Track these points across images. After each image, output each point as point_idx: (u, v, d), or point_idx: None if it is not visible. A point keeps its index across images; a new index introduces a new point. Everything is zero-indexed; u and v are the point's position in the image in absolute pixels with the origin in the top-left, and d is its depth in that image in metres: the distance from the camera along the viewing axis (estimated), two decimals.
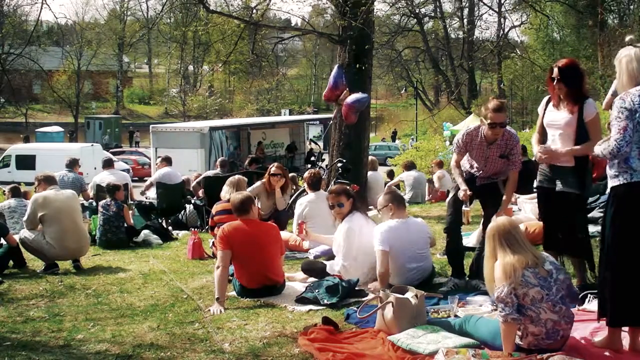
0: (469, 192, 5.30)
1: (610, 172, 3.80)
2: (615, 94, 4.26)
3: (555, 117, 4.91)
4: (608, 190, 3.86)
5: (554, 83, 4.82)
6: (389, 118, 59.13)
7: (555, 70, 4.80)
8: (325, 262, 5.97)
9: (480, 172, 5.44)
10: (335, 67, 10.02)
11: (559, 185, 4.91)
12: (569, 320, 3.83)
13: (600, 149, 3.76)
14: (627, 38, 3.94)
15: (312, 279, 5.72)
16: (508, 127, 5.40)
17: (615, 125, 3.69)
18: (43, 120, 51.96)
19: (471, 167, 5.50)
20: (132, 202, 11.02)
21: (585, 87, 4.95)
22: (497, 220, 3.97)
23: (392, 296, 4.34)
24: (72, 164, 10.92)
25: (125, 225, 8.75)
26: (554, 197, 4.92)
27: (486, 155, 5.35)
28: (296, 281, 5.81)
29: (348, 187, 6.63)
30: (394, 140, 46.20)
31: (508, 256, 3.78)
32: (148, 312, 5.10)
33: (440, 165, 14.25)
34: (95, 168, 19.93)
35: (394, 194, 5.71)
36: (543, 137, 5.06)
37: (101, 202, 8.89)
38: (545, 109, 5.05)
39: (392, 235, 5.31)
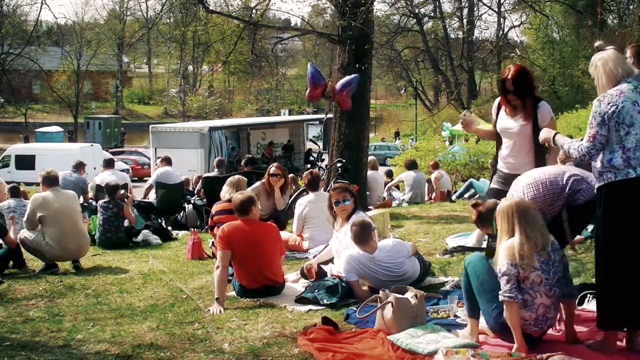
0: None
1: (594, 170, 3.82)
2: None
3: (510, 124, 4.84)
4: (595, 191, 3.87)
5: (509, 94, 4.73)
6: (388, 118, 59.11)
7: (507, 84, 4.70)
8: (324, 266, 5.95)
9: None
10: (308, 65, 10.05)
11: None
12: (557, 308, 3.91)
13: (574, 150, 3.81)
14: (597, 44, 3.98)
15: (307, 280, 5.71)
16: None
17: (587, 129, 3.74)
18: (43, 120, 51.93)
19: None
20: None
21: (536, 90, 4.89)
22: (514, 197, 4.01)
23: (392, 296, 4.33)
24: (79, 166, 11.54)
25: (125, 225, 8.76)
26: None
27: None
28: (289, 282, 5.78)
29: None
30: (396, 139, 46.23)
31: (523, 237, 3.80)
32: (148, 312, 5.10)
33: (436, 166, 14.23)
34: (95, 168, 19.93)
35: (354, 234, 5.33)
36: (498, 140, 5.04)
37: (100, 202, 8.90)
38: (498, 112, 4.97)
39: (356, 266, 5.22)
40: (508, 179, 4.90)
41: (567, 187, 4.10)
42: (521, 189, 4.19)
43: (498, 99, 5.04)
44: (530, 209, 3.92)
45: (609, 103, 3.68)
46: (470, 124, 5.10)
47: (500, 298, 3.79)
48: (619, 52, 3.85)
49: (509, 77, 4.69)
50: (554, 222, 4.14)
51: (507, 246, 3.84)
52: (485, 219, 4.55)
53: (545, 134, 4.24)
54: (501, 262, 3.83)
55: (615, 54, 3.82)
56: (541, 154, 4.87)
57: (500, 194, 4.82)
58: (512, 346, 3.85)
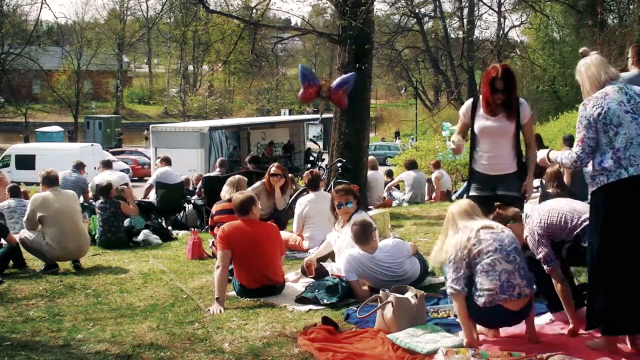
0: None
1: (586, 175, 3.81)
2: None
3: (493, 124, 4.76)
4: (589, 195, 3.86)
5: (497, 94, 4.64)
6: (388, 118, 59.11)
7: (500, 82, 4.61)
8: (325, 265, 5.94)
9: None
10: (299, 66, 10.08)
11: (500, 191, 4.78)
12: (524, 276, 3.89)
13: (566, 159, 3.82)
14: (581, 50, 4.00)
15: (307, 279, 5.71)
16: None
17: (576, 135, 3.76)
18: (43, 120, 51.93)
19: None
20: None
21: (517, 88, 4.85)
22: (458, 202, 4.23)
23: (392, 296, 4.34)
24: (79, 166, 11.63)
25: (125, 224, 8.76)
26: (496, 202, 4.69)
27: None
28: (289, 282, 5.78)
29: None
30: (396, 139, 46.24)
31: (461, 228, 4.01)
32: (148, 312, 5.10)
33: (437, 165, 14.23)
34: (95, 168, 19.93)
35: (355, 233, 5.34)
36: (465, 136, 5.00)
37: (97, 203, 8.90)
38: (474, 112, 4.86)
39: (356, 266, 5.21)
40: (488, 181, 4.84)
41: (579, 229, 4.08)
42: (538, 212, 4.24)
43: (469, 101, 4.97)
44: (469, 209, 4.11)
45: (594, 106, 3.68)
46: (460, 148, 5.09)
47: (448, 291, 3.90)
48: (602, 57, 3.87)
49: (499, 76, 4.64)
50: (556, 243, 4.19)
51: (450, 243, 4.00)
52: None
53: (541, 155, 4.28)
54: (447, 258, 3.97)
55: (599, 58, 3.84)
56: (521, 152, 4.87)
57: (482, 202, 4.65)
58: (502, 339, 3.88)
